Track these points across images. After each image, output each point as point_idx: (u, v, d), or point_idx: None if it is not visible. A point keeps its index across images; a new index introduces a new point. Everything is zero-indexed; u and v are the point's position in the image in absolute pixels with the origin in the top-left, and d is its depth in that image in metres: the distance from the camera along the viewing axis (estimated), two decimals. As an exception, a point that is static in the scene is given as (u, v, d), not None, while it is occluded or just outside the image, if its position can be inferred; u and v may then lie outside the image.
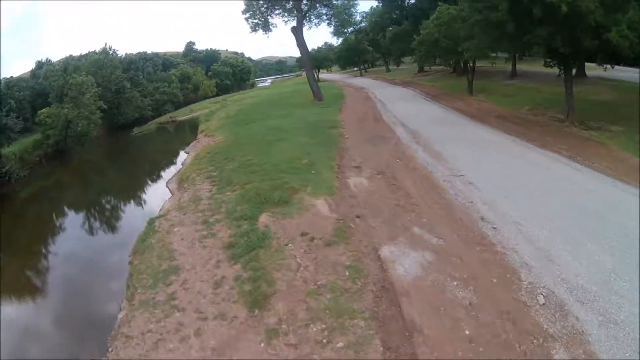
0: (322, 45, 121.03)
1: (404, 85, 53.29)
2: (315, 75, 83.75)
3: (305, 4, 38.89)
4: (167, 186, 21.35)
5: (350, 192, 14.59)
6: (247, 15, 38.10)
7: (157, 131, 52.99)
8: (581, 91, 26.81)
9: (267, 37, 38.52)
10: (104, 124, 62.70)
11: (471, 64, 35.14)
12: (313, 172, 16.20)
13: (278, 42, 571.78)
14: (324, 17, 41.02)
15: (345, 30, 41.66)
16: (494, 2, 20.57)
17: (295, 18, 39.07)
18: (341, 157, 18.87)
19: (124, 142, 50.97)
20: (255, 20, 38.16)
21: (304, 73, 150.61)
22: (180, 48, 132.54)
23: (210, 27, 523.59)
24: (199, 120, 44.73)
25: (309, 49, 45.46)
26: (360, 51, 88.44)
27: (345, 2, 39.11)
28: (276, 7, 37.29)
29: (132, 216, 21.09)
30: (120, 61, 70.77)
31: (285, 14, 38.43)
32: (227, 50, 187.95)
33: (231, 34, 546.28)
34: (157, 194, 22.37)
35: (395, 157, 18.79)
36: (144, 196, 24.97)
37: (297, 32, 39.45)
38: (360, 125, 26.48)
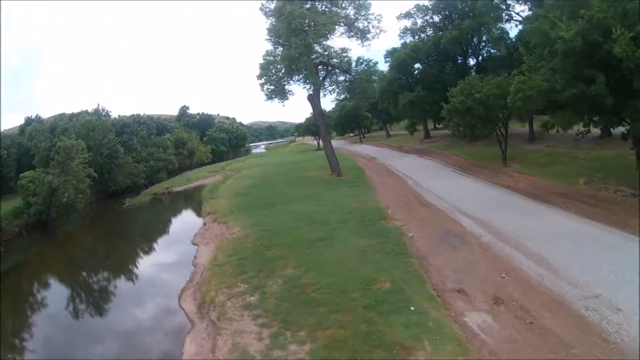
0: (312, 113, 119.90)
1: (418, 154, 49.56)
2: (317, 143, 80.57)
3: (322, 70, 35.37)
4: (180, 305, 15.66)
5: (485, 346, 9.47)
6: (262, 81, 34.29)
7: (151, 204, 47.42)
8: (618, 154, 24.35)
9: (283, 105, 35.03)
10: (93, 190, 57.30)
11: (503, 132, 31.73)
12: (412, 307, 11.01)
13: (268, 107, 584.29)
14: (342, 83, 37.42)
15: (368, 98, 37.54)
16: (589, 75, 16.88)
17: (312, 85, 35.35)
18: (427, 272, 13.82)
19: (116, 215, 44.99)
20: (272, 87, 34.29)
21: (298, 139, 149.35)
22: (173, 111, 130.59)
23: (202, 90, 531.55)
24: (201, 195, 39.72)
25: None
26: (359, 117, 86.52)
27: (366, 68, 35.65)
28: (295, 74, 33.60)
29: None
30: (113, 124, 66.66)
31: (307, 81, 34.61)
32: (218, 114, 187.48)
33: (223, 98, 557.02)
34: (165, 313, 16.64)
35: (496, 269, 13.94)
36: (145, 309, 18.99)
37: (314, 100, 35.78)
38: (413, 214, 21.63)
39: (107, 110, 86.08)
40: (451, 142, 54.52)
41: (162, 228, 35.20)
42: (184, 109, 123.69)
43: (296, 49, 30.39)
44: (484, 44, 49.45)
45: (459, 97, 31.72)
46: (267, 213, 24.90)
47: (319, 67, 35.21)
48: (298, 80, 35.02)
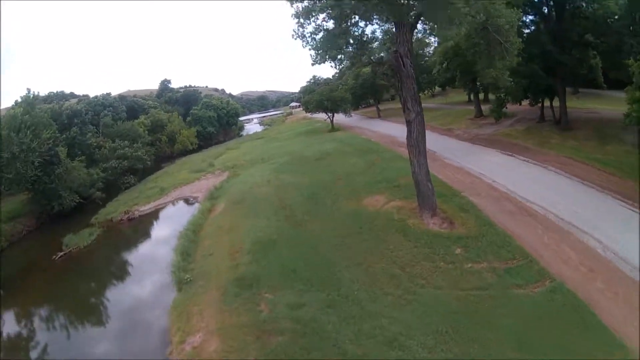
0: (311, 80, 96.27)
1: (499, 149, 31.65)
2: (331, 118, 59.35)
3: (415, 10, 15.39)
4: None
5: None
6: (311, 24, 14.34)
7: (97, 249, 27.96)
8: None
9: (337, 69, 16.44)
10: (32, 211, 39.14)
11: None
12: None
13: (257, 75, 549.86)
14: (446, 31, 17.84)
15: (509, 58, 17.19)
16: None
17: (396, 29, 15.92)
18: None
19: (37, 281, 25.16)
20: (332, 32, 14.04)
21: (295, 110, 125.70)
22: (154, 85, 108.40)
23: (186, 61, 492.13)
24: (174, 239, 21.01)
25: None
26: (375, 87, 66.76)
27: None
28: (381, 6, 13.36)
29: None
30: (57, 114, 46.37)
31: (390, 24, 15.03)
32: (207, 86, 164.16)
33: (210, 68, 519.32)
34: None
35: None
36: None
37: (404, 62, 16.49)
38: None
39: (62, 94, 66.15)
40: (526, 126, 36.25)
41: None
42: (165, 84, 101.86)
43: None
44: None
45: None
46: None
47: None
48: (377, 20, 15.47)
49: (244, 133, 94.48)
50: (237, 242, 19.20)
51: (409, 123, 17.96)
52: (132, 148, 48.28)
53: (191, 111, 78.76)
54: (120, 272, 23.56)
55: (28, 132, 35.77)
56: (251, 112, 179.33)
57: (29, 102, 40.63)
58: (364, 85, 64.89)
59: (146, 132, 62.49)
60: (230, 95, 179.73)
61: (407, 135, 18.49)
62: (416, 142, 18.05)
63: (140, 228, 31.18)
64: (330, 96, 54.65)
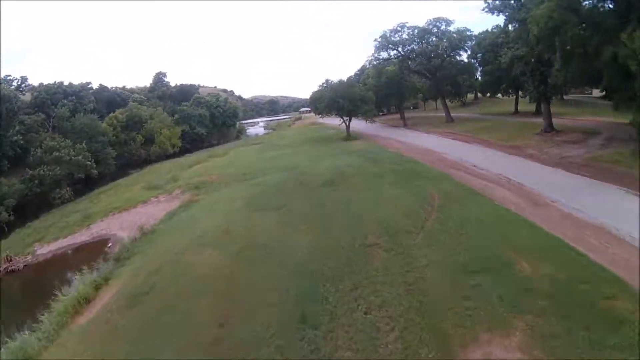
0: (323, 84, 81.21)
1: (626, 186, 17.59)
2: (347, 123, 44.32)
3: None
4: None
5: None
6: None
7: None
8: None
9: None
10: None
11: None
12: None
13: (269, 80, 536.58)
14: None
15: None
16: None
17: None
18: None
19: None
20: None
21: (305, 115, 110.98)
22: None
23: (198, 60, 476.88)
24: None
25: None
26: (403, 89, 52.48)
27: None
28: None
29: None
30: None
31: None
32: (215, 87, 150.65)
33: (222, 71, 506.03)
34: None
35: None
36: None
37: None
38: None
39: (24, 77, 53.31)
40: (629, 149, 22.23)
41: None
42: (159, 77, 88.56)
43: None
44: None
45: None
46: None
47: None
48: None
49: (246, 136, 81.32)
50: None
51: None
52: (75, 150, 34.77)
53: (178, 107, 65.05)
54: None
55: None
56: (260, 116, 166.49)
57: None
58: (389, 84, 50.79)
59: (117, 129, 49.27)
60: (239, 97, 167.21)
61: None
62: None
63: (10, 294, 17.47)
64: (348, 93, 40.50)
